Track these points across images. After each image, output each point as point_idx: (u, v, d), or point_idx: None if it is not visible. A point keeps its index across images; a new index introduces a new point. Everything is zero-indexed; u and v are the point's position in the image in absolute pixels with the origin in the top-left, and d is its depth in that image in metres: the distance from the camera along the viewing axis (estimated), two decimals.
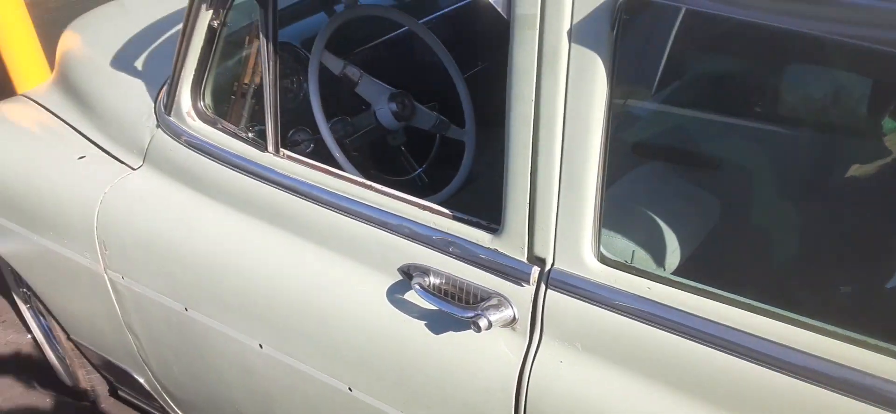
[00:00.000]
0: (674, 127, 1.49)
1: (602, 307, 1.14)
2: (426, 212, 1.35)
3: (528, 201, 1.17)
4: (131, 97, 2.03)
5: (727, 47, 1.42)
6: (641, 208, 1.32)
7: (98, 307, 2.00)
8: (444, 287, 1.31)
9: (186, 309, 1.76)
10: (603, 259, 1.15)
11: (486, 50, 2.24)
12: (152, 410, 2.33)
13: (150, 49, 2.29)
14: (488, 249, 1.25)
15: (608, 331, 1.14)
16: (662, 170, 1.43)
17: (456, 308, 1.26)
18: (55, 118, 2.16)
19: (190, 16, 1.65)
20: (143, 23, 2.52)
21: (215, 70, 1.74)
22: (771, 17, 0.91)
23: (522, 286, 1.22)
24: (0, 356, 2.86)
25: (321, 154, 1.84)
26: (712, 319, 1.04)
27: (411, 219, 1.36)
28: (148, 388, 2.14)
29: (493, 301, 1.23)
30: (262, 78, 1.55)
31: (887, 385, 0.91)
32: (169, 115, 1.81)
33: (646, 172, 1.42)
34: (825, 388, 0.96)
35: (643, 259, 1.25)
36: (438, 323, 1.32)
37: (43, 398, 2.68)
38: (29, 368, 2.79)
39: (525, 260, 1.21)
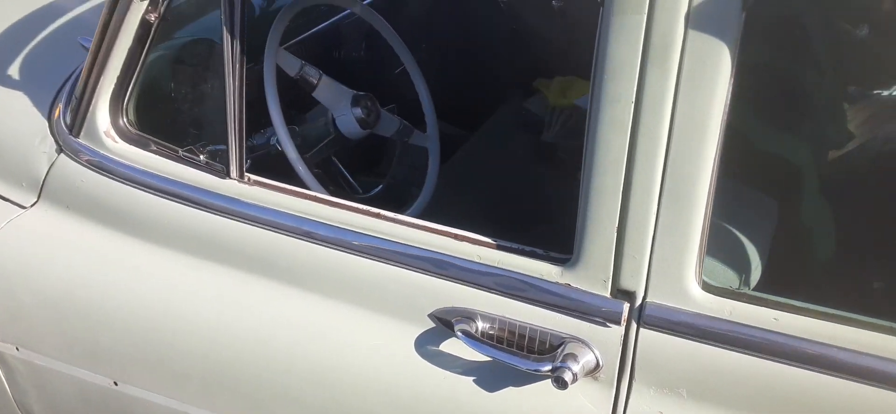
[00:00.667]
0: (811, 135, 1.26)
1: (716, 345, 0.96)
2: (465, 243, 1.10)
3: (616, 224, 0.97)
4: (10, 115, 1.59)
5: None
6: (720, 221, 1.15)
7: None
8: (497, 334, 1.07)
9: (116, 383, 1.38)
10: (707, 287, 0.97)
11: (429, 29, 2.00)
12: None
13: (25, 51, 1.84)
14: (558, 284, 1.03)
15: (725, 372, 0.96)
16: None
17: (520, 359, 1.03)
18: None
19: (113, 8, 1.28)
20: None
21: (143, 77, 1.38)
22: None
23: (607, 326, 1.01)
24: None
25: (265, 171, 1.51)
26: (864, 350, 0.89)
27: (445, 252, 1.11)
28: None
29: (570, 347, 1.02)
30: (224, 86, 1.22)
31: None
32: (76, 136, 1.41)
33: None
34: None
35: (756, 282, 1.09)
36: (492, 378, 1.08)
37: None
38: None
39: (608, 295, 1.01)
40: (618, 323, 1.00)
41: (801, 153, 1.20)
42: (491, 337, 1.08)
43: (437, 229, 1.13)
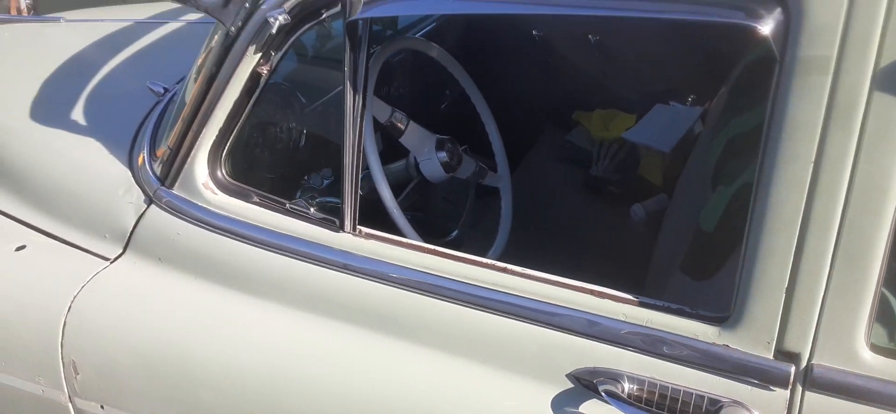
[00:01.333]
0: None
1: (888, 409, 0.94)
2: (607, 300, 1.08)
3: (786, 284, 0.95)
4: (86, 164, 1.54)
5: None
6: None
7: None
8: (646, 396, 1.05)
9: None
10: (876, 349, 0.95)
11: (463, 63, 1.99)
12: None
13: (85, 94, 1.79)
14: (715, 344, 1.01)
15: None
16: None
17: None
18: None
19: (222, 60, 1.25)
20: (48, 56, 1.99)
21: (240, 130, 1.33)
22: None
23: (771, 390, 0.99)
24: None
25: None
26: None
27: (586, 310, 1.08)
28: None
29: (729, 410, 0.99)
30: (344, 140, 1.19)
31: None
32: (170, 187, 1.37)
33: None
34: None
35: None
36: None
37: None
38: None
39: (771, 357, 0.98)
40: (783, 386, 0.98)
41: None
42: (639, 399, 1.05)
43: (573, 285, 1.10)
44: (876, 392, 0.95)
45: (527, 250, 1.99)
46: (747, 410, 0.99)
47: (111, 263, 1.41)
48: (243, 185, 1.34)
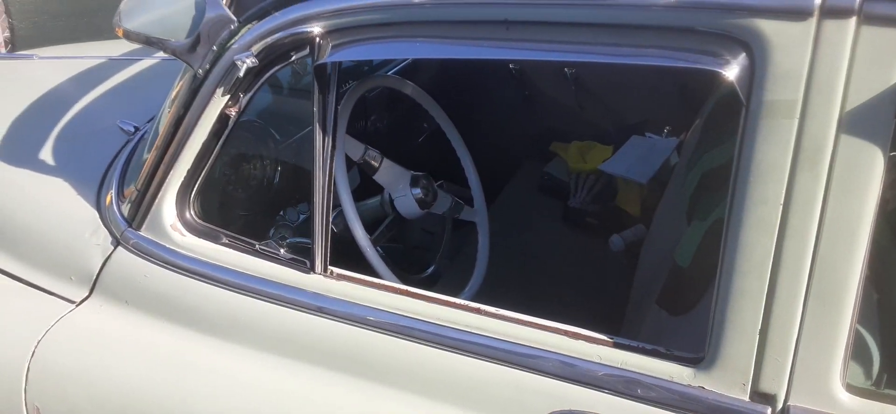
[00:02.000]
0: None
1: None
2: (581, 341, 1.06)
3: (759, 325, 0.94)
4: (53, 204, 1.51)
5: None
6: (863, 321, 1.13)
7: None
8: None
9: None
10: (851, 389, 0.95)
11: (440, 96, 1.99)
12: None
13: (55, 132, 1.76)
14: (690, 386, 1.00)
15: None
16: None
17: None
18: None
19: (190, 101, 1.23)
20: (19, 93, 1.96)
21: (210, 170, 1.32)
22: None
23: None
24: None
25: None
26: None
27: (561, 352, 1.07)
28: None
29: None
30: (313, 182, 1.17)
31: None
32: (137, 228, 1.34)
33: None
34: None
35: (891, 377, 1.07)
36: None
37: None
38: None
39: (747, 398, 0.97)
40: None
41: None
42: None
43: (547, 326, 1.09)
44: None
45: (506, 283, 1.98)
46: None
47: (76, 306, 1.38)
48: (212, 226, 1.32)
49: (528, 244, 2.23)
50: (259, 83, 1.20)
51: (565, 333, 1.07)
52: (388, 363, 1.16)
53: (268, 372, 1.22)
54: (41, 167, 1.60)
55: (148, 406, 1.27)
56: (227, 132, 1.25)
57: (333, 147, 1.16)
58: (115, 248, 1.37)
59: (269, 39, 1.16)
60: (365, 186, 1.76)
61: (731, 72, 0.90)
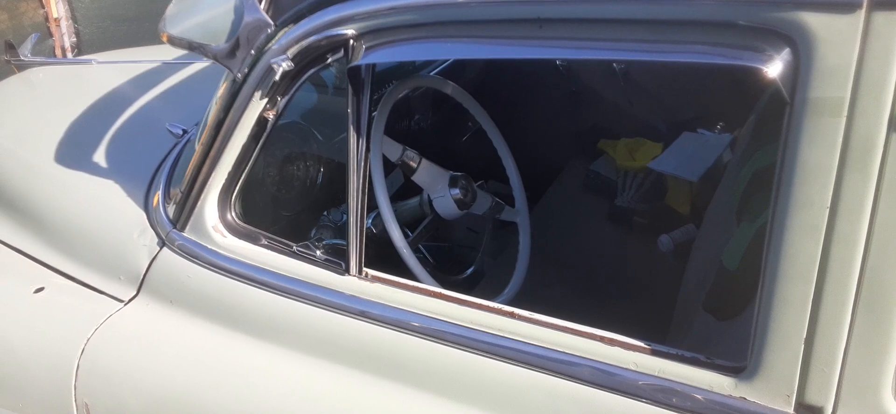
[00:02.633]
0: None
1: None
2: (617, 347, 1.03)
3: (804, 334, 0.90)
4: (105, 205, 1.56)
5: None
6: None
7: None
8: None
9: None
10: None
11: (487, 94, 1.96)
12: None
13: (108, 135, 1.82)
14: (731, 397, 0.96)
15: None
16: None
17: None
18: None
19: (229, 105, 1.25)
20: (78, 97, 2.04)
21: (250, 172, 1.33)
22: None
23: None
24: None
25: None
26: None
27: (596, 358, 1.04)
28: None
29: None
30: (347, 182, 1.18)
31: None
32: (181, 230, 1.37)
33: None
34: None
35: None
36: None
37: None
38: None
39: (792, 410, 0.93)
40: None
41: None
42: None
43: (582, 331, 1.06)
44: None
45: (550, 284, 1.95)
46: None
47: (125, 305, 1.42)
48: (253, 228, 1.34)
49: (574, 244, 2.19)
50: (296, 86, 1.21)
51: (600, 338, 1.05)
52: (419, 366, 1.15)
53: (302, 372, 1.23)
54: (93, 169, 1.65)
55: (189, 404, 1.29)
56: (265, 135, 1.26)
57: (368, 149, 1.15)
58: (161, 248, 1.40)
59: (304, 43, 1.16)
60: (409, 186, 1.76)
61: (775, 68, 0.86)
